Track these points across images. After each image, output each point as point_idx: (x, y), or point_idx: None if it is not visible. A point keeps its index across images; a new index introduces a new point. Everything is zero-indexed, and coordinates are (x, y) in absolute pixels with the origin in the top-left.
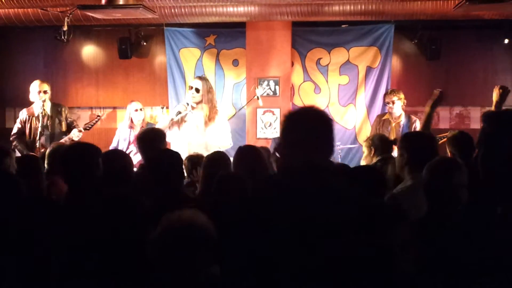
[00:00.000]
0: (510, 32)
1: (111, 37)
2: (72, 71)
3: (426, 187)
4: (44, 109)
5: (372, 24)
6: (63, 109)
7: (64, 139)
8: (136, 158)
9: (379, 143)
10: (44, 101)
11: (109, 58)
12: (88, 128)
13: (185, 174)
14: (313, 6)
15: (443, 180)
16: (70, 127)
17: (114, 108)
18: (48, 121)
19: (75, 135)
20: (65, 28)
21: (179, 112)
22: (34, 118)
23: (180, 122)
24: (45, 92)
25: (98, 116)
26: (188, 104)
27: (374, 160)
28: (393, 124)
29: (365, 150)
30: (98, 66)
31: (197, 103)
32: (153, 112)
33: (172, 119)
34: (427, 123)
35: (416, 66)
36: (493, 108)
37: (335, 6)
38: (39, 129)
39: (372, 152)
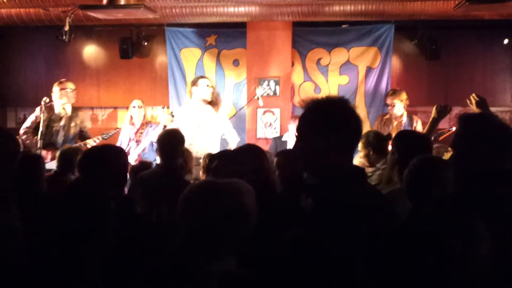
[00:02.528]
0: (510, 32)
1: (112, 37)
2: (73, 71)
3: (407, 186)
4: (65, 110)
5: (372, 24)
6: (79, 113)
7: (79, 144)
8: (135, 152)
9: (374, 141)
10: (50, 102)
11: (110, 58)
12: (105, 138)
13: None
14: (313, 6)
15: (424, 179)
16: (82, 133)
17: (115, 108)
18: (66, 123)
19: (91, 143)
20: (67, 28)
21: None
22: (53, 118)
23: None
24: (65, 91)
25: (117, 128)
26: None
27: (378, 165)
28: (395, 124)
29: (360, 148)
30: (99, 66)
31: (204, 101)
32: (154, 112)
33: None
34: (431, 128)
35: (416, 66)
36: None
37: (336, 7)
38: (41, 129)
39: (371, 151)
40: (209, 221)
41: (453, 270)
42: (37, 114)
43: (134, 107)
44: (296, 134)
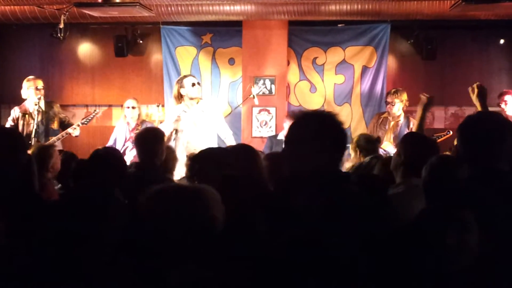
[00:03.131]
0: (506, 33)
1: (107, 35)
2: (68, 68)
3: (425, 185)
4: (39, 106)
5: (368, 24)
6: (55, 105)
7: (61, 134)
8: (131, 153)
9: (364, 144)
10: (39, 98)
11: (105, 56)
12: (85, 122)
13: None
14: (309, 5)
15: (443, 177)
16: (63, 123)
17: (110, 106)
18: (43, 118)
19: (71, 131)
20: (62, 25)
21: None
22: (27, 115)
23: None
24: (40, 89)
25: (95, 111)
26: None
27: (362, 160)
28: (392, 123)
29: (352, 153)
30: (94, 64)
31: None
32: (148, 110)
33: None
34: (420, 126)
35: (412, 66)
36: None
37: (332, 6)
38: (34, 126)
39: (358, 153)
40: (170, 227)
41: (449, 266)
42: (14, 116)
43: (128, 107)
44: (285, 141)
